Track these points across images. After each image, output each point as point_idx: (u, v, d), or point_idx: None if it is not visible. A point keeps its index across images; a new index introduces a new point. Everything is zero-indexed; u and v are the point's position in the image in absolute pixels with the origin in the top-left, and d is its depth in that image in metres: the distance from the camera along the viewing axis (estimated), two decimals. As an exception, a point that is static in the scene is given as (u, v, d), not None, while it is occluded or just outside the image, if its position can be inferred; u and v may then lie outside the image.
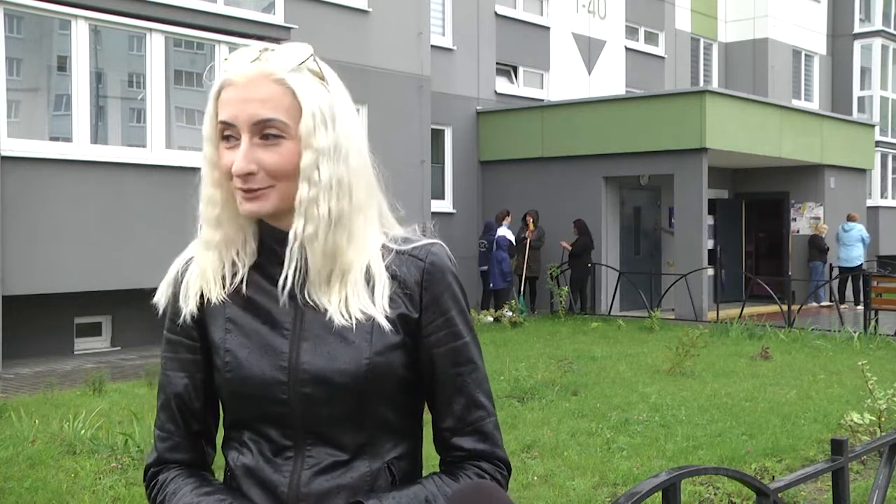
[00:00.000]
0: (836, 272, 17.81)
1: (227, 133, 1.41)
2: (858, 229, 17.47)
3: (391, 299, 1.43)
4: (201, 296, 1.47)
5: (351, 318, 1.40)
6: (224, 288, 1.46)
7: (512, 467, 1.55)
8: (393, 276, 1.44)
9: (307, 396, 1.40)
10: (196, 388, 1.49)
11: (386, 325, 1.41)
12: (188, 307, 1.47)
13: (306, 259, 1.41)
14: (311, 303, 1.43)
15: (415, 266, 1.45)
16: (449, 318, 1.46)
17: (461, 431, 1.47)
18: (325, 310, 1.42)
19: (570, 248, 15.58)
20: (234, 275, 1.47)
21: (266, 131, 1.38)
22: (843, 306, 16.04)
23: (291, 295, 1.43)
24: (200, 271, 1.47)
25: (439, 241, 1.50)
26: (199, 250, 1.48)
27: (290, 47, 1.42)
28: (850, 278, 17.77)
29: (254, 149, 1.38)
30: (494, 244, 14.72)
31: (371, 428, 1.43)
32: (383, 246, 1.47)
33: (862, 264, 17.50)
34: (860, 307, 16.50)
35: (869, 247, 17.91)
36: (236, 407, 1.44)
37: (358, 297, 1.42)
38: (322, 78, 1.43)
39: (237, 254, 1.47)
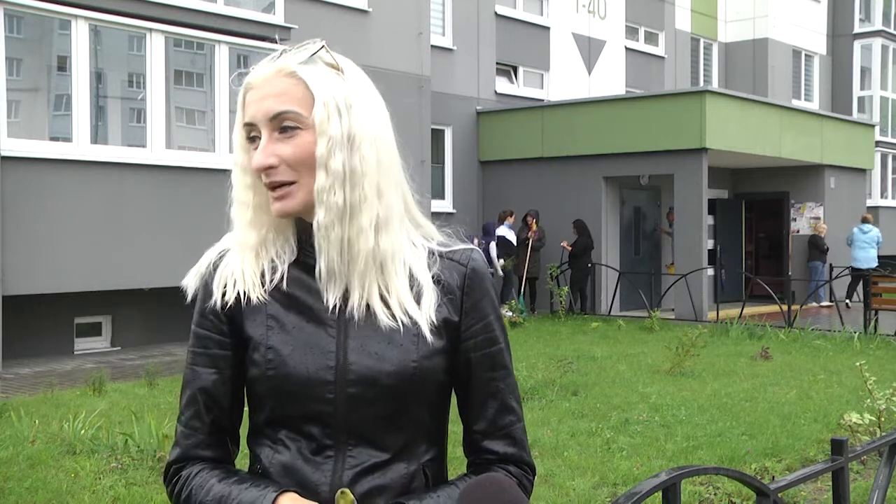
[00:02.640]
0: (836, 272, 17.80)
1: (253, 134, 1.44)
2: (876, 231, 17.45)
3: (437, 303, 1.45)
4: (237, 293, 1.46)
5: (396, 318, 1.42)
6: (264, 286, 1.46)
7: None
8: (437, 281, 1.47)
9: (353, 397, 1.40)
10: (224, 384, 1.48)
11: (432, 328, 1.43)
12: (221, 302, 1.46)
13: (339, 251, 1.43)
14: (353, 300, 1.43)
15: (456, 271, 1.48)
16: (487, 324, 1.49)
17: (493, 435, 1.50)
18: (368, 308, 1.42)
19: (570, 248, 15.59)
20: (273, 271, 1.47)
21: (283, 124, 1.40)
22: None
23: (334, 291, 1.44)
24: (238, 271, 1.47)
25: (476, 248, 1.54)
26: (236, 250, 1.48)
27: (305, 44, 1.45)
28: (861, 280, 17.67)
29: (273, 143, 1.40)
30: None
31: (410, 430, 1.44)
32: (429, 251, 1.49)
33: (877, 266, 17.44)
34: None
35: (881, 248, 17.80)
36: (276, 404, 1.43)
37: (400, 298, 1.43)
38: (338, 69, 1.44)
39: (276, 253, 1.47)
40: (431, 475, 1.46)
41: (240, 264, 1.47)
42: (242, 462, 1.52)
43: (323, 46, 1.43)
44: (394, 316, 1.42)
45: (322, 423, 1.41)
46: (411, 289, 1.44)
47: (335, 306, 1.43)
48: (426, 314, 1.43)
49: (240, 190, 1.47)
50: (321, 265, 1.42)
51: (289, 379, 1.41)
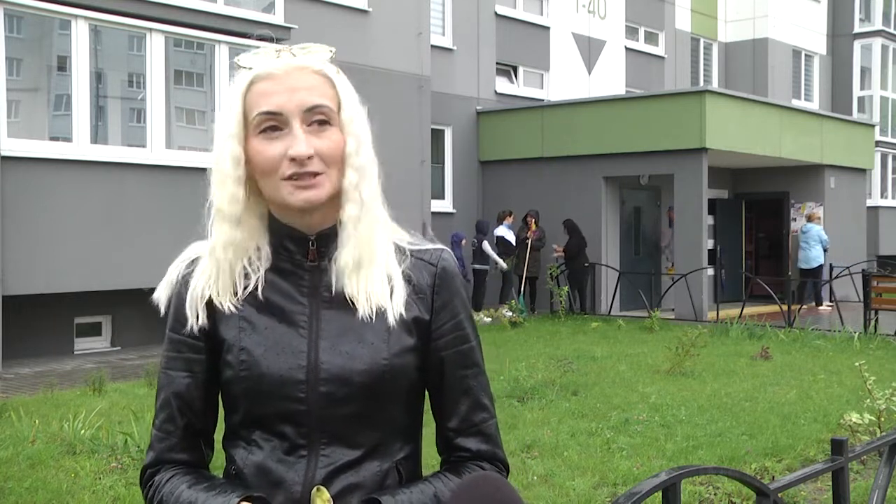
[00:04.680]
0: (836, 272, 17.78)
1: (271, 124, 1.41)
2: (817, 230, 17.38)
3: (406, 302, 1.47)
4: (211, 297, 1.46)
5: (370, 318, 1.43)
6: (237, 290, 1.46)
7: (512, 467, 1.58)
8: (407, 280, 1.48)
9: (325, 395, 1.42)
10: (198, 388, 1.49)
11: (402, 327, 1.45)
12: (196, 307, 1.47)
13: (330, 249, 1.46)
14: (329, 299, 1.45)
15: (426, 270, 1.50)
16: (458, 322, 1.51)
17: (466, 432, 1.51)
18: (343, 307, 1.44)
19: (562, 252, 15.63)
20: (246, 275, 1.47)
21: (316, 117, 1.42)
22: (806, 307, 16.30)
23: (307, 292, 1.45)
24: (214, 272, 1.47)
25: (446, 248, 1.56)
26: (216, 250, 1.47)
27: (311, 45, 1.47)
28: (808, 280, 17.48)
29: (307, 135, 1.41)
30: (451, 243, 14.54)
31: (383, 428, 1.46)
32: (397, 248, 1.51)
33: (821, 266, 17.33)
34: (820, 307, 16.60)
35: (828, 251, 17.61)
36: (250, 405, 1.44)
37: (377, 296, 1.45)
38: (341, 73, 1.50)
39: (249, 260, 1.47)
40: (405, 473, 1.47)
41: (214, 267, 1.46)
42: (219, 467, 1.52)
43: (332, 52, 1.48)
44: (366, 314, 1.43)
45: (295, 423, 1.42)
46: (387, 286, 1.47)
47: (307, 305, 1.45)
48: (397, 313, 1.45)
49: (230, 184, 1.45)
50: (345, 258, 1.43)
51: (262, 379, 1.42)
